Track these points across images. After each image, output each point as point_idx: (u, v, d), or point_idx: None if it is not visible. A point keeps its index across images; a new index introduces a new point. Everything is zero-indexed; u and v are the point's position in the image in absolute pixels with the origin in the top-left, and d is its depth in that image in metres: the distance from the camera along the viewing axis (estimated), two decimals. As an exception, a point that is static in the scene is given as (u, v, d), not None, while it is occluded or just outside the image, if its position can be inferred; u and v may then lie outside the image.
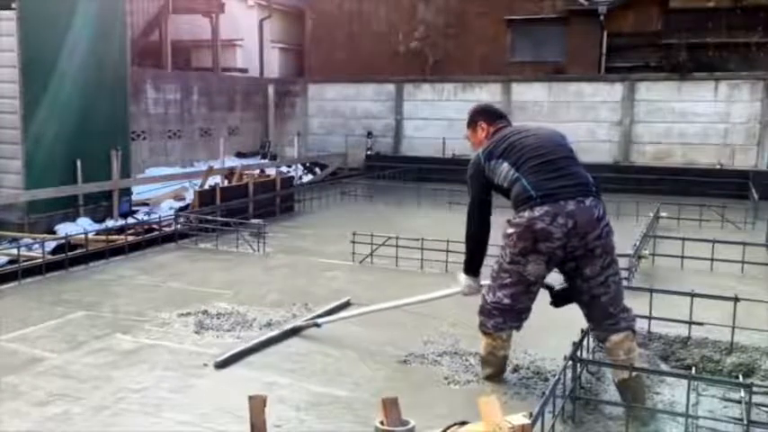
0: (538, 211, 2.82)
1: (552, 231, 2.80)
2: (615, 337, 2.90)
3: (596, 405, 2.90)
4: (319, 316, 3.96)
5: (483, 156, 3.08)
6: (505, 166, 2.98)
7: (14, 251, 5.52)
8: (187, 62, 15.54)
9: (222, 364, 3.29)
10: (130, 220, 7.69)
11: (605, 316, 2.91)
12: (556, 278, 3.10)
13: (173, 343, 3.63)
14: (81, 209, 7.91)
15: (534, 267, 2.89)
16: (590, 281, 2.89)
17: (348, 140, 13.43)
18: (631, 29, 13.12)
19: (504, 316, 3.00)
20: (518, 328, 3.07)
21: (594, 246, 2.85)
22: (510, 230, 2.92)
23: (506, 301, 2.98)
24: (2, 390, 3.01)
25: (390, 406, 1.79)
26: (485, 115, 3.29)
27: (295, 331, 3.78)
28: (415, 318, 4.06)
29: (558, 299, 3.07)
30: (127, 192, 8.72)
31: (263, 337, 3.65)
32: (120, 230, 6.49)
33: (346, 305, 4.29)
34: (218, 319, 4.02)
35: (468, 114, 3.37)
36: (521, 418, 1.86)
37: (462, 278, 3.25)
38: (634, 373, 2.85)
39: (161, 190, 9.92)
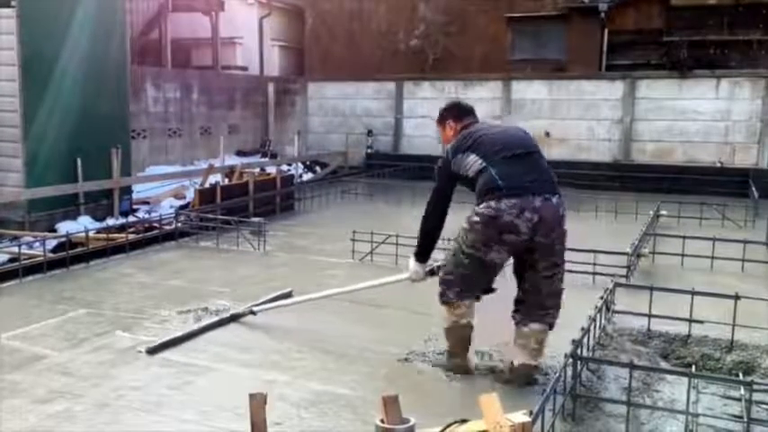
0: (505, 204, 2.89)
1: (518, 225, 2.89)
2: (535, 326, 3.04)
3: (596, 403, 2.90)
4: (257, 305, 4.06)
5: (450, 151, 3.18)
6: (473, 157, 3.05)
7: (15, 249, 5.52)
8: (187, 60, 15.52)
9: (153, 350, 3.42)
10: (131, 219, 7.69)
11: (539, 306, 3.04)
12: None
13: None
14: (82, 207, 7.91)
15: (495, 255, 2.97)
16: (538, 274, 3.00)
17: (348, 139, 13.41)
18: (632, 26, 13.10)
19: (464, 285, 3.05)
20: (478, 298, 3.12)
21: (556, 242, 2.98)
22: (476, 218, 2.97)
23: (468, 277, 3.04)
24: (3, 387, 3.01)
25: (391, 404, 1.79)
26: (452, 113, 3.37)
27: (233, 318, 3.94)
28: (415, 316, 4.06)
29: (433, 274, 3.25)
30: (127, 190, 8.72)
31: (199, 325, 3.79)
32: (121, 229, 6.48)
33: (288, 295, 4.35)
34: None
35: (438, 112, 3.45)
36: (521, 416, 1.86)
37: (412, 263, 3.32)
38: (535, 362, 3.03)
39: (161, 188, 9.91)
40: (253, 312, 3.98)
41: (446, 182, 3.19)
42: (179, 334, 3.63)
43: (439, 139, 3.48)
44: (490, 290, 3.14)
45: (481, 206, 2.96)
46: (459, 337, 3.13)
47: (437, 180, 3.24)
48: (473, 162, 3.03)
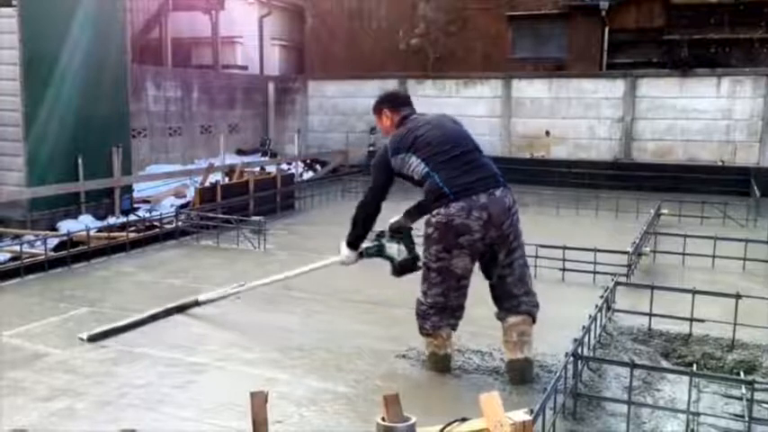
0: (453, 208, 2.95)
1: (470, 225, 2.94)
2: (513, 319, 3.06)
3: (597, 402, 2.90)
4: (205, 296, 4.12)
5: (390, 150, 3.17)
6: (414, 159, 3.08)
7: (17, 248, 5.53)
8: (187, 59, 15.52)
9: (94, 338, 3.51)
10: (132, 218, 7.69)
11: (508, 296, 3.08)
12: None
13: (173, 339, 3.64)
14: (83, 206, 7.91)
15: (459, 261, 3.00)
16: (499, 265, 3.06)
17: (349, 137, 13.41)
18: (633, 25, 13.08)
19: (440, 314, 3.09)
20: (454, 326, 3.15)
21: (508, 233, 3.02)
22: (430, 230, 3.04)
23: (440, 299, 3.07)
24: (6, 385, 3.02)
25: (391, 402, 1.79)
26: (388, 103, 3.37)
27: (179, 309, 4.00)
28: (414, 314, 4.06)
29: (400, 269, 3.31)
30: (128, 189, 8.73)
31: (144, 315, 3.85)
32: (122, 227, 6.49)
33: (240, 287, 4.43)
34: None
35: (374, 102, 3.44)
36: (522, 415, 1.86)
37: (344, 249, 3.41)
38: (522, 355, 3.01)
39: (162, 187, 9.92)
40: (197, 303, 4.05)
41: (383, 180, 3.23)
42: (121, 323, 3.70)
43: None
44: (461, 315, 3.15)
45: (433, 213, 3.02)
46: (439, 366, 3.17)
47: (373, 177, 3.27)
48: (416, 165, 3.07)
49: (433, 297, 3.08)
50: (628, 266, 4.92)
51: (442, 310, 3.08)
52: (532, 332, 3.09)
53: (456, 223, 2.94)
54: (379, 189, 3.25)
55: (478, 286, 3.18)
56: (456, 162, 3.02)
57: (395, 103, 3.37)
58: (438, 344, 3.14)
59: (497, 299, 3.13)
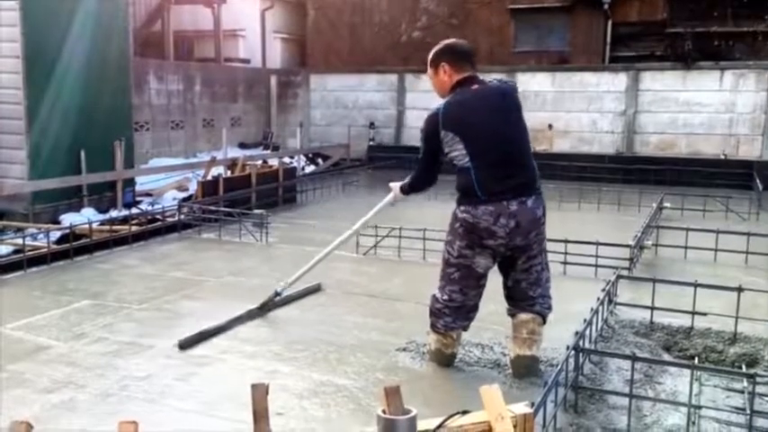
0: (482, 210, 2.89)
1: (496, 231, 2.90)
2: (523, 316, 3.03)
3: (599, 395, 2.90)
4: (283, 287, 4.06)
5: (442, 120, 2.90)
6: (461, 147, 2.90)
7: (20, 241, 5.55)
8: (189, 53, 15.50)
9: (185, 344, 3.38)
10: (134, 211, 7.70)
11: (522, 297, 3.06)
12: None
13: (174, 331, 3.64)
14: (85, 199, 7.93)
15: (481, 259, 2.98)
16: (516, 268, 3.02)
17: (350, 131, 13.39)
18: (636, 18, 13.01)
19: (454, 315, 3.05)
20: (466, 328, 3.13)
21: (533, 241, 2.98)
22: (456, 224, 3.00)
23: (457, 296, 3.02)
24: (8, 377, 3.03)
25: (392, 395, 1.79)
26: (450, 56, 2.98)
27: (262, 309, 3.93)
28: (417, 307, 4.06)
29: None
30: (130, 182, 8.74)
31: (230, 318, 3.75)
32: (124, 221, 6.50)
33: (318, 289, 4.43)
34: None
35: (432, 52, 3.04)
36: (523, 408, 1.86)
37: (398, 192, 3.43)
38: (530, 352, 3.01)
39: (164, 180, 9.93)
40: (277, 294, 3.99)
41: (435, 152, 3.00)
42: (210, 327, 3.58)
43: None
44: (474, 317, 3.13)
45: (461, 209, 2.97)
46: (442, 363, 3.16)
47: (423, 149, 3.03)
48: (460, 154, 2.91)
49: (449, 294, 3.02)
50: (630, 260, 4.91)
51: (457, 310, 3.03)
52: (542, 332, 3.07)
53: (482, 226, 2.89)
54: (431, 163, 3.06)
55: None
56: (499, 161, 2.89)
57: (459, 56, 2.97)
58: (447, 343, 3.12)
59: (510, 297, 3.10)
